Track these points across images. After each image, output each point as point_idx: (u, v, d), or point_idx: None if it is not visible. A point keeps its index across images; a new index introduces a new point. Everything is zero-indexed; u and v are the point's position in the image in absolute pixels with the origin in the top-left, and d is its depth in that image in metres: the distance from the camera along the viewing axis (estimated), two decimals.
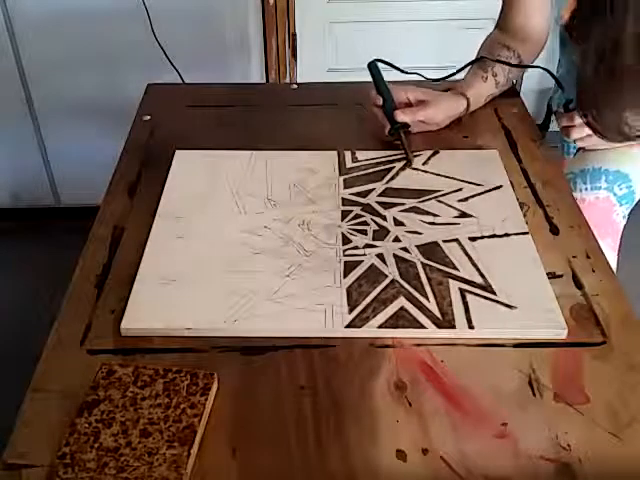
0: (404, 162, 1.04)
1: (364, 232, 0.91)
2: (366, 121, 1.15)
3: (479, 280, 0.83)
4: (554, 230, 0.93)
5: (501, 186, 0.99)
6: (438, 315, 0.78)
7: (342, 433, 0.67)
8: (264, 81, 2.04)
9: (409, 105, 1.09)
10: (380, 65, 1.14)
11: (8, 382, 1.04)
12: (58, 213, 2.21)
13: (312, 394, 0.71)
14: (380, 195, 0.98)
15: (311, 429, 0.68)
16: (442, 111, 1.09)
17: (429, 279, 0.83)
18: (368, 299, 0.80)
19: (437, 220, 0.93)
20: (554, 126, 1.17)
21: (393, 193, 0.98)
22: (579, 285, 0.84)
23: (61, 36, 1.89)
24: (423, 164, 1.04)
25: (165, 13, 1.85)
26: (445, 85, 1.15)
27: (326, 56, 2.07)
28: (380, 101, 1.08)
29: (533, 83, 2.15)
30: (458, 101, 1.11)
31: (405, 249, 0.88)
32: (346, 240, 0.89)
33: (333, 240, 0.89)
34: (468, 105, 1.11)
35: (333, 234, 0.91)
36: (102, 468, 0.62)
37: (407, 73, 1.16)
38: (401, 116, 1.05)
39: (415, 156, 1.05)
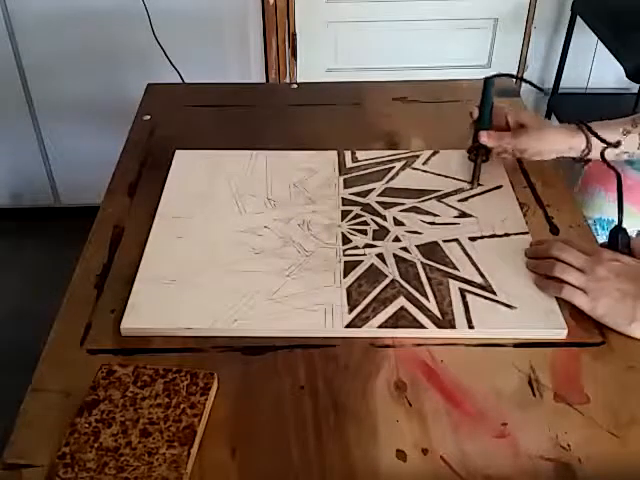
0: (409, 161, 1.04)
1: (364, 232, 0.91)
2: (366, 121, 1.15)
3: (479, 280, 0.83)
4: (554, 230, 0.93)
5: (501, 186, 0.99)
6: (438, 315, 0.78)
7: (342, 433, 0.67)
8: (264, 81, 2.04)
9: (507, 129, 0.99)
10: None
11: (8, 382, 1.03)
12: (58, 213, 2.20)
13: (312, 394, 0.71)
14: (380, 195, 0.98)
15: (311, 429, 0.68)
16: (542, 141, 0.96)
17: (429, 279, 0.83)
18: (368, 299, 0.80)
19: (437, 220, 0.93)
20: None
21: (393, 193, 0.98)
22: None
23: (61, 36, 1.89)
24: (423, 164, 1.04)
25: (165, 13, 1.85)
26: (443, 85, 1.14)
27: (324, 56, 2.07)
28: (475, 115, 1.01)
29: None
30: (573, 136, 0.95)
31: (405, 249, 0.88)
32: (346, 240, 0.89)
33: (333, 240, 0.89)
34: (588, 143, 0.94)
35: (333, 234, 0.90)
36: (102, 468, 0.62)
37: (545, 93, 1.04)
38: (483, 138, 0.97)
39: (415, 156, 1.05)
